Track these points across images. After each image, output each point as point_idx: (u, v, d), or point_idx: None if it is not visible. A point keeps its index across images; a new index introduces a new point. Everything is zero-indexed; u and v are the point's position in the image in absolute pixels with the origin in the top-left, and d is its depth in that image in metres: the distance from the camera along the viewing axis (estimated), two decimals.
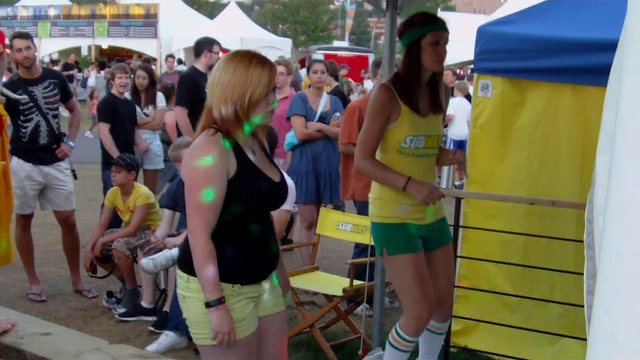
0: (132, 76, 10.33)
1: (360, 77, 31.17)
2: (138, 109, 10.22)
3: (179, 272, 4.06)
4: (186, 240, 3.97)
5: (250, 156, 4.01)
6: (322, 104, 9.07)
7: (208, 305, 3.83)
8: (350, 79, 25.12)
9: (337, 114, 9.01)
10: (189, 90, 9.24)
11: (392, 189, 5.13)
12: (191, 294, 3.94)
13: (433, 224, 5.30)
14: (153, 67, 10.66)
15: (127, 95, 10.15)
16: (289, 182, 7.47)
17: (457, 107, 15.43)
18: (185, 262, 3.96)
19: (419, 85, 5.14)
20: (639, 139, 1.79)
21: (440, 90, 5.25)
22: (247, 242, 3.99)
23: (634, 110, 1.81)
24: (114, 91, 9.85)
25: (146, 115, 10.33)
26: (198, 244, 3.84)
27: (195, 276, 3.89)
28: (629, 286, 1.78)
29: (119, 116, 9.57)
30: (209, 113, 3.94)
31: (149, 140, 10.23)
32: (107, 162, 8.85)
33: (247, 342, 3.99)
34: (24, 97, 8.04)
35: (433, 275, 5.34)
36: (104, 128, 9.48)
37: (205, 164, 3.82)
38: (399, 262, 5.19)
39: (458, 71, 24.51)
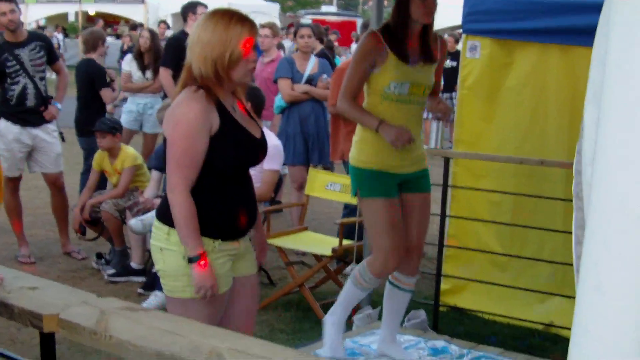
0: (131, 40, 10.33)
1: (351, 38, 31.01)
2: (139, 72, 10.20)
3: (157, 223, 4.03)
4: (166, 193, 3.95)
5: (233, 112, 3.99)
6: (310, 66, 9.06)
7: (190, 260, 3.83)
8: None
9: (325, 75, 9.00)
10: (175, 53, 9.17)
11: (372, 134, 5.10)
12: (171, 246, 3.93)
13: (412, 173, 5.26)
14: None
15: (129, 57, 10.17)
16: (277, 142, 7.47)
17: None
18: (166, 214, 3.93)
19: (407, 35, 5.12)
20: (626, 92, 1.79)
21: (430, 41, 5.22)
22: (229, 198, 3.98)
23: (620, 63, 1.81)
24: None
25: (147, 79, 10.29)
26: (177, 200, 3.83)
27: (174, 227, 3.88)
28: (616, 239, 1.78)
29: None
30: (189, 71, 3.92)
31: (150, 104, 10.22)
32: (88, 129, 8.79)
33: (219, 300, 3.98)
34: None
35: (406, 221, 5.31)
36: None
37: (186, 120, 3.82)
38: (372, 205, 5.17)
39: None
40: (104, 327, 2.20)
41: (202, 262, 3.83)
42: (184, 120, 3.83)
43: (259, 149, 4.10)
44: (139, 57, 10.39)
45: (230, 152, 3.90)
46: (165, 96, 10.46)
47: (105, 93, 9.26)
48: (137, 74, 10.29)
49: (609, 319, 1.77)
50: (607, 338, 1.78)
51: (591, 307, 1.80)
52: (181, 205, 3.82)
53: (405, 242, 5.32)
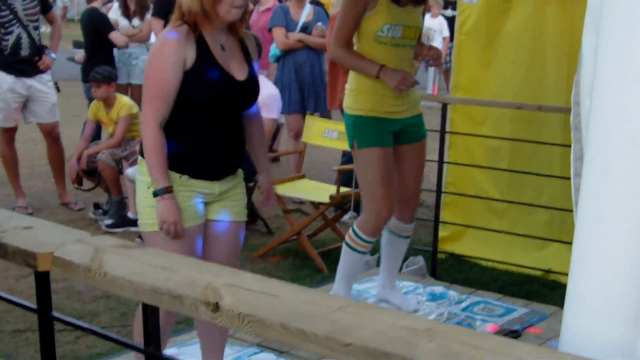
0: None
1: None
2: (126, 20, 10.06)
3: (139, 157, 4.06)
4: None
5: (216, 51, 3.96)
6: (305, 14, 9.00)
7: (155, 193, 3.85)
8: None
9: (319, 23, 8.95)
10: (165, 2, 9.12)
11: (368, 81, 5.05)
12: (141, 176, 3.99)
13: (409, 118, 5.22)
14: None
15: (116, 6, 10.08)
16: (274, 91, 7.43)
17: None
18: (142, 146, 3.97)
19: None
20: (626, 17, 1.76)
21: None
22: (202, 138, 3.96)
23: None
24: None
25: (134, 27, 10.15)
26: (146, 131, 3.86)
27: None
28: (616, 166, 1.76)
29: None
30: (179, 7, 3.92)
31: (135, 54, 10.08)
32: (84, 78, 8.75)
33: (188, 234, 3.96)
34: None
35: (403, 170, 5.29)
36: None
37: (160, 52, 3.87)
38: (367, 155, 5.11)
39: None
40: (98, 264, 2.17)
41: (166, 196, 3.83)
42: (158, 53, 3.89)
43: (241, 92, 4.04)
44: (125, 5, 10.23)
45: (203, 90, 3.89)
46: None
47: (114, 36, 9.17)
48: (123, 22, 10.14)
49: (609, 246, 1.76)
50: (607, 266, 1.76)
51: (591, 236, 1.79)
52: (149, 136, 3.84)
53: (403, 190, 5.30)
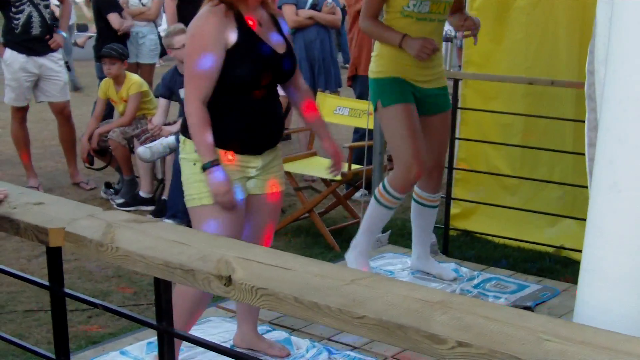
0: None
1: None
2: None
3: (180, 136, 4.12)
4: None
5: (256, 27, 4.00)
6: None
7: (204, 168, 3.89)
8: None
9: (329, 0, 8.91)
10: None
11: (391, 49, 5.13)
12: (185, 155, 4.02)
13: (430, 89, 5.26)
14: None
15: None
16: None
17: None
18: (184, 126, 4.02)
19: None
20: None
21: None
22: (245, 114, 4.00)
23: None
24: None
25: (143, 5, 10.11)
26: (190, 110, 3.90)
27: (190, 139, 3.95)
28: (632, 133, 1.74)
29: None
30: None
31: (142, 33, 10.04)
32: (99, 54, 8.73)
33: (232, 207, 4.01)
34: None
35: (427, 140, 5.29)
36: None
37: (201, 32, 3.90)
38: (393, 112, 5.15)
39: None
40: (111, 239, 2.17)
41: (215, 168, 3.88)
42: (199, 33, 3.92)
43: (281, 65, 4.09)
44: None
45: (247, 67, 3.92)
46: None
47: (111, 18, 9.16)
48: (132, 0, 10.11)
49: (625, 215, 1.74)
50: (622, 235, 1.75)
51: (606, 205, 1.77)
52: (193, 114, 3.89)
53: (427, 160, 5.31)
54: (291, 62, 4.16)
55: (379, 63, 5.22)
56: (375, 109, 5.28)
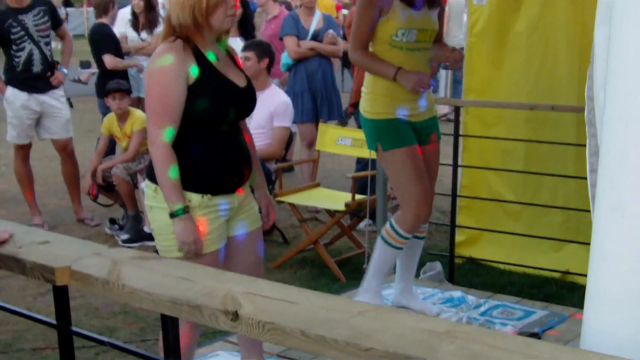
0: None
1: None
2: (135, 33, 10.06)
3: (147, 182, 3.97)
4: None
5: (214, 62, 3.93)
6: (315, 22, 8.99)
7: (172, 215, 3.78)
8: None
9: (331, 30, 8.95)
10: None
11: (385, 84, 5.06)
12: (158, 203, 3.87)
13: (425, 121, 5.23)
14: None
15: (126, 19, 10.12)
16: (286, 99, 7.43)
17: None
18: (152, 172, 3.87)
19: None
20: (639, 8, 1.75)
21: None
22: (216, 150, 3.91)
23: None
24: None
25: (143, 40, 10.14)
26: (155, 152, 3.79)
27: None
28: (632, 152, 1.75)
29: None
30: (169, 22, 3.88)
31: (142, 67, 10.07)
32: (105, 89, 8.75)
33: (211, 258, 3.90)
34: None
35: None
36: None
37: (161, 70, 3.79)
38: (396, 157, 5.11)
39: None
40: (117, 277, 2.17)
41: (185, 216, 3.77)
42: (157, 71, 3.81)
43: (244, 99, 4.02)
44: (134, 17, 10.21)
45: (210, 101, 3.84)
46: None
47: (105, 59, 9.14)
48: (132, 34, 10.13)
49: (628, 238, 1.74)
50: (627, 257, 1.75)
51: (610, 228, 1.77)
52: (159, 158, 3.77)
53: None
54: (253, 95, 4.10)
55: (374, 104, 5.14)
56: (375, 149, 5.22)
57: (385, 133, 5.12)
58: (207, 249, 3.88)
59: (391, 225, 5.25)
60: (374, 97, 5.14)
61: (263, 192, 4.36)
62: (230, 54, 4.11)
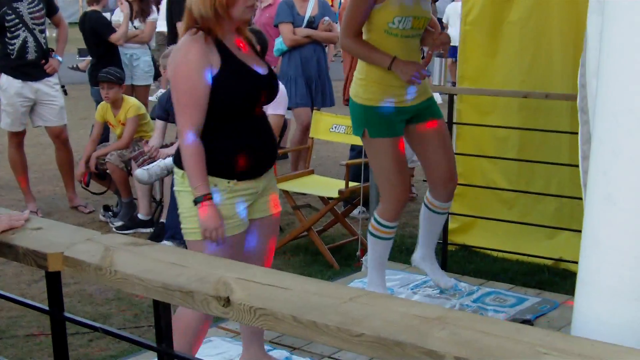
0: None
1: None
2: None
3: (175, 168, 4.11)
4: None
5: (236, 51, 4.01)
6: (310, 8, 8.93)
7: (195, 202, 3.88)
8: None
9: (326, 17, 8.91)
10: (182, 4, 9.14)
11: (378, 70, 5.04)
12: (185, 188, 3.99)
13: (420, 103, 5.21)
14: None
15: (119, 8, 10.07)
16: (281, 87, 7.42)
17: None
18: (179, 158, 3.99)
19: None
20: None
21: None
22: (241, 138, 4.00)
23: None
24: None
25: (136, 28, 10.12)
26: (184, 142, 3.89)
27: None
28: (625, 145, 1.75)
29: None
30: (190, 14, 3.95)
31: (136, 55, 10.06)
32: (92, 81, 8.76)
33: (233, 242, 4.01)
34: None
35: (430, 151, 5.29)
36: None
37: (185, 61, 3.88)
38: (381, 145, 5.12)
39: None
40: (109, 263, 2.18)
41: (207, 203, 3.87)
42: (183, 62, 3.91)
43: (267, 86, 4.11)
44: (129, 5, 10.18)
45: (234, 90, 3.93)
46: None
47: (114, 38, 9.16)
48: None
49: (619, 227, 1.75)
50: (618, 246, 1.76)
51: (601, 216, 1.78)
52: (187, 147, 3.89)
53: (436, 170, 5.30)
54: (275, 81, 4.21)
55: (367, 89, 5.12)
56: (362, 134, 5.23)
57: (375, 120, 5.11)
58: (230, 232, 3.98)
59: (376, 220, 5.31)
60: (366, 83, 5.12)
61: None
62: (251, 43, 4.19)
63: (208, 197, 3.87)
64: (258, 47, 4.32)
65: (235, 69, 3.95)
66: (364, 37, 5.11)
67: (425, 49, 5.43)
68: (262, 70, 4.09)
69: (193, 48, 3.87)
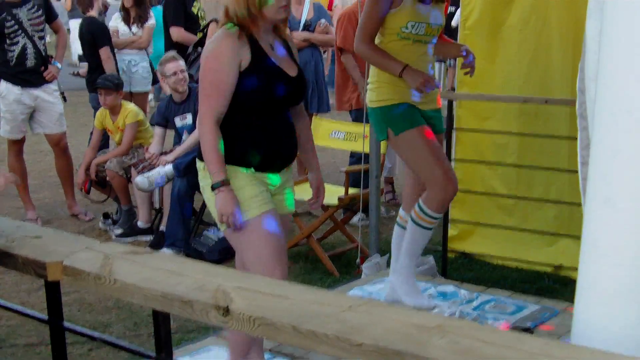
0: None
1: None
2: (126, 27, 10.01)
3: (198, 163, 4.22)
4: None
5: (268, 50, 4.14)
6: (305, 11, 8.88)
7: (212, 187, 4.00)
8: None
9: (323, 20, 8.86)
10: (176, 8, 9.14)
11: (389, 74, 5.10)
12: (208, 180, 4.09)
13: (429, 111, 5.26)
14: None
15: (117, 13, 10.06)
16: None
17: None
18: (201, 151, 4.11)
19: None
20: (629, 1, 1.75)
21: None
22: (264, 133, 4.12)
23: None
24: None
25: (133, 33, 10.10)
26: (203, 130, 4.03)
27: None
28: (624, 146, 1.75)
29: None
30: (227, 13, 4.10)
31: (134, 61, 10.04)
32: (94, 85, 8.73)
33: (266, 219, 4.08)
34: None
35: None
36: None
37: (215, 54, 4.05)
38: (410, 138, 5.13)
39: None
40: (108, 272, 2.18)
41: (223, 188, 3.98)
42: (212, 54, 4.09)
43: (293, 87, 4.20)
44: (125, 12, 10.17)
45: (257, 85, 4.05)
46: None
47: (103, 52, 9.06)
48: (123, 28, 10.09)
49: (619, 230, 1.74)
50: (618, 249, 1.75)
51: (601, 220, 1.77)
52: (206, 134, 4.02)
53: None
54: (303, 84, 4.30)
55: (381, 91, 5.18)
56: (387, 137, 5.24)
57: (395, 117, 5.15)
58: (257, 210, 4.07)
59: (420, 208, 5.26)
60: (378, 86, 5.19)
61: (317, 175, 4.58)
62: (287, 43, 4.31)
63: (226, 182, 3.98)
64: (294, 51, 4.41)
65: (264, 67, 4.08)
66: (377, 40, 5.17)
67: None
68: (292, 71, 4.20)
69: (224, 42, 4.04)
